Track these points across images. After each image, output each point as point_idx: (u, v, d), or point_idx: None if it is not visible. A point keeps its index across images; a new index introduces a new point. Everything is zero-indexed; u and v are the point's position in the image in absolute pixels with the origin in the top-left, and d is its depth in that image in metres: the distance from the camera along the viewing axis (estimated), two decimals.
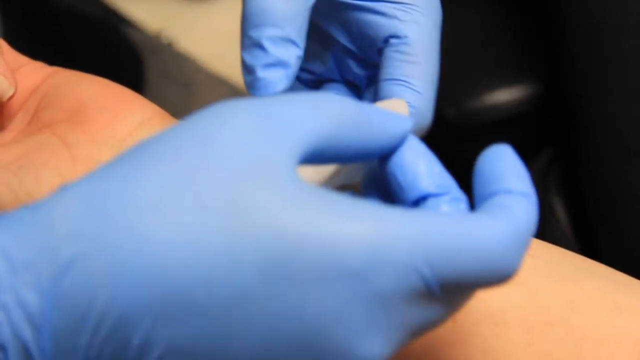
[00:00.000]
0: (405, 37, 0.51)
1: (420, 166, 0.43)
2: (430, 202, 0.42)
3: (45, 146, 0.53)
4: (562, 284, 0.49)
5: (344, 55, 0.54)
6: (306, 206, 0.36)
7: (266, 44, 0.48)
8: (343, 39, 0.53)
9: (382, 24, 0.51)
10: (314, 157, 0.40)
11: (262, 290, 0.36)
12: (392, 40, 0.51)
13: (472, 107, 0.95)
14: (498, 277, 0.38)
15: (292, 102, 0.39)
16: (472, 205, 0.42)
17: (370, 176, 0.46)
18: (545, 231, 0.87)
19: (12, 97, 0.54)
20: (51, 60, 0.86)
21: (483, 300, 0.48)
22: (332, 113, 0.40)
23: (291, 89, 0.49)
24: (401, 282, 0.36)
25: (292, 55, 0.48)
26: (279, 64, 0.48)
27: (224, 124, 0.38)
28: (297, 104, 0.39)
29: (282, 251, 0.36)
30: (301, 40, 0.48)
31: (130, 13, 1.07)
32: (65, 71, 0.58)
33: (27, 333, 0.36)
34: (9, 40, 0.74)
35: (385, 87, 0.51)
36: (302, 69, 0.56)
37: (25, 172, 0.52)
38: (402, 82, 0.50)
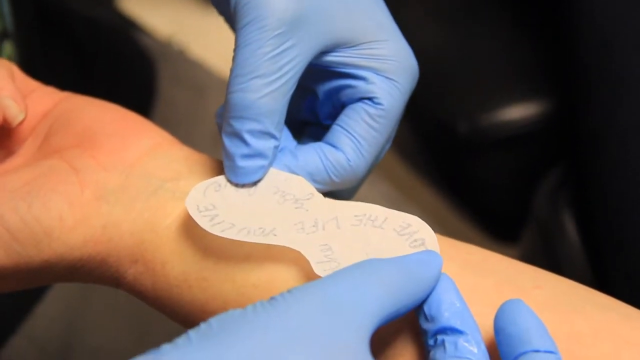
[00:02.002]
0: (380, 104, 0.54)
1: (443, 300, 0.46)
2: (449, 339, 0.45)
3: (54, 171, 0.54)
4: (568, 315, 0.49)
5: (315, 104, 0.57)
6: None
7: (246, 136, 0.51)
8: (322, 96, 0.56)
9: (360, 88, 0.54)
10: (377, 327, 0.44)
11: None
12: (365, 100, 0.54)
13: (485, 122, 0.95)
14: None
15: (355, 280, 0.44)
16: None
17: None
18: (556, 249, 0.87)
19: (22, 122, 0.55)
20: (62, 65, 0.86)
21: (489, 332, 0.47)
22: (388, 284, 0.44)
23: None
24: None
25: (270, 147, 0.52)
26: (257, 155, 0.52)
27: (299, 311, 0.42)
28: (359, 282, 0.44)
29: None
30: (279, 131, 0.52)
31: (141, 19, 1.06)
32: (75, 97, 0.58)
33: None
34: (21, 43, 0.74)
35: (338, 133, 0.54)
36: None
37: (34, 197, 0.52)
38: (354, 139, 0.54)
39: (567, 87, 0.91)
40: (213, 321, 0.42)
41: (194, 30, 1.35)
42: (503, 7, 1.02)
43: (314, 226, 0.51)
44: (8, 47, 0.72)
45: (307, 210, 0.52)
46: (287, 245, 0.50)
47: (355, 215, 0.51)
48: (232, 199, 0.52)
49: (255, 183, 0.53)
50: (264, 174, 0.53)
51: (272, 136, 0.52)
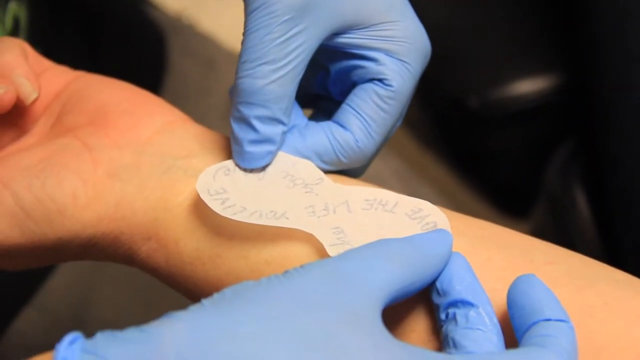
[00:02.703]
0: (390, 85, 0.54)
1: (455, 275, 0.46)
2: (460, 312, 0.46)
3: (67, 149, 0.54)
4: (581, 290, 0.49)
5: (327, 80, 0.57)
6: (392, 356, 0.41)
7: (254, 122, 0.52)
8: (333, 74, 0.56)
9: (371, 69, 0.54)
10: (390, 302, 0.44)
11: None
12: (375, 81, 0.54)
13: (496, 97, 0.95)
14: None
15: (366, 255, 0.44)
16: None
17: None
18: (567, 224, 0.87)
19: (35, 100, 0.55)
20: (73, 39, 0.85)
21: (501, 307, 0.47)
22: (399, 260, 0.44)
23: None
24: None
25: (278, 132, 0.52)
26: (265, 140, 0.52)
27: (311, 281, 0.42)
28: (370, 257, 0.44)
29: None
30: (287, 116, 0.52)
31: None
32: (88, 75, 0.59)
33: None
34: (31, 21, 0.73)
35: (347, 113, 0.54)
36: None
37: (48, 175, 0.52)
38: (363, 120, 0.54)
39: (578, 59, 0.91)
40: (227, 290, 0.42)
41: (204, 3, 1.34)
42: None
43: (324, 210, 0.51)
44: (13, 7, 0.72)
45: (317, 195, 0.52)
46: (300, 229, 0.50)
47: (366, 200, 0.51)
48: (241, 183, 0.52)
49: (264, 167, 0.53)
50: (272, 159, 0.53)
51: (280, 122, 0.52)
